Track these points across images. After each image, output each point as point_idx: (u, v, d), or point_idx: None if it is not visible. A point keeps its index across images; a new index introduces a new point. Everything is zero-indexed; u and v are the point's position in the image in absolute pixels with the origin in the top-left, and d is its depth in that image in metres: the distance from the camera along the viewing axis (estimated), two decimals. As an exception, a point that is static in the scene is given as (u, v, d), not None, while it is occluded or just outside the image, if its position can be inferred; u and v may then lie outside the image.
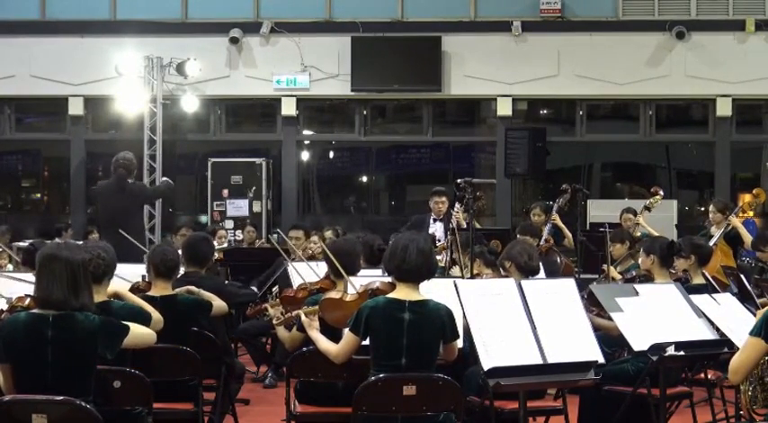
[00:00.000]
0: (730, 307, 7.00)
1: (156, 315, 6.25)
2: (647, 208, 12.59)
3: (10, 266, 10.45)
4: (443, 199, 12.41)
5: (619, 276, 9.89)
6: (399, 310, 5.78)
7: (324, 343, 6.17)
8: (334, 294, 6.36)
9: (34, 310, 5.23)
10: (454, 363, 6.24)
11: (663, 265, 7.83)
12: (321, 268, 7.89)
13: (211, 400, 7.25)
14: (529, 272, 7.38)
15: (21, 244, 12.14)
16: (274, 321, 6.76)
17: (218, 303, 7.41)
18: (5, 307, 6.31)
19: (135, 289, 7.56)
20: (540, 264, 8.53)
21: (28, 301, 6.02)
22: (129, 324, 5.47)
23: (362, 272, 7.11)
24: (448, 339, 5.90)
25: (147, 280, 7.47)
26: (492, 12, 16.87)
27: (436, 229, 12.25)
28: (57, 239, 13.75)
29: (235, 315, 10.17)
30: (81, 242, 7.34)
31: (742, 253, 12.04)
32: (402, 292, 5.86)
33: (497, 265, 8.08)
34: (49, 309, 5.13)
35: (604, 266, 10.57)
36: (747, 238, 11.64)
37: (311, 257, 10.86)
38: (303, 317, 6.35)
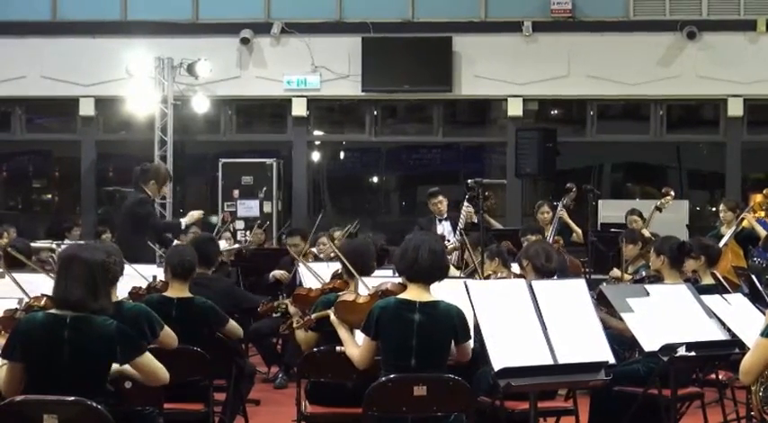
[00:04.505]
0: (741, 307, 6.99)
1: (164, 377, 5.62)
2: (659, 208, 12.57)
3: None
4: (440, 198, 12.52)
5: (628, 278, 9.87)
6: (409, 310, 5.78)
7: (351, 347, 6.15)
8: (347, 297, 6.34)
9: (51, 311, 5.23)
10: (465, 362, 6.23)
11: (673, 266, 7.80)
12: (332, 269, 7.90)
13: (222, 401, 7.27)
14: (545, 273, 7.35)
15: (32, 245, 12.12)
16: (295, 325, 6.74)
17: (233, 326, 7.35)
18: (21, 306, 6.33)
19: (151, 288, 7.58)
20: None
21: (44, 300, 6.03)
22: (148, 354, 5.37)
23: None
24: (459, 340, 5.89)
25: (164, 280, 7.47)
26: (502, 12, 16.86)
27: (443, 228, 12.29)
28: (66, 240, 13.84)
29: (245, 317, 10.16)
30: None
31: (753, 253, 12.03)
32: (413, 293, 5.86)
33: (513, 264, 8.09)
34: (67, 309, 5.12)
35: (613, 271, 10.57)
36: (762, 232, 11.64)
37: (317, 258, 10.90)
38: (332, 316, 6.33)
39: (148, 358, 5.34)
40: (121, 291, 6.67)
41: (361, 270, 6.85)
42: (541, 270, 7.40)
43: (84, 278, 5.13)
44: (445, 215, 12.45)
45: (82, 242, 5.84)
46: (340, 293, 6.63)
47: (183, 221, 11.60)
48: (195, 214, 11.59)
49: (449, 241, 11.64)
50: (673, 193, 12.86)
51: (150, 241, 11.24)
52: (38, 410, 4.90)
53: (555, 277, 7.56)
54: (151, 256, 11.29)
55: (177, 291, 7.09)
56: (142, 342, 5.41)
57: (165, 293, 7.13)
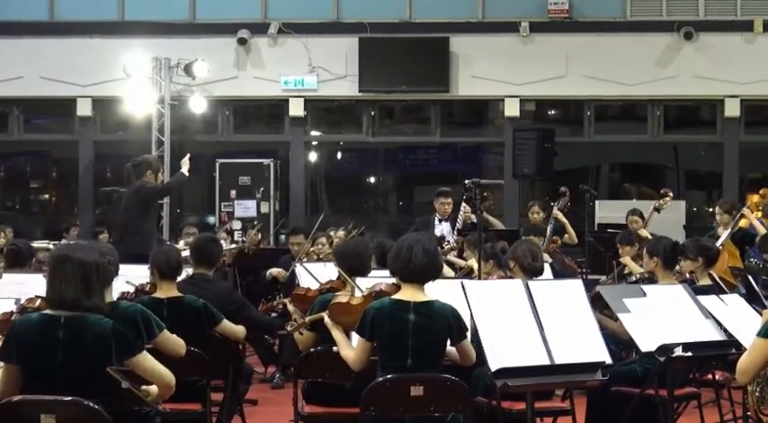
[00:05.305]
0: (738, 308, 7.01)
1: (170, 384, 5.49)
2: (657, 209, 12.59)
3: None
4: (449, 200, 12.46)
5: (639, 270, 9.85)
6: (404, 311, 5.78)
7: (345, 349, 6.14)
8: (341, 299, 6.34)
9: (46, 311, 5.20)
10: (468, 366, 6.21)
11: (666, 267, 7.81)
12: (329, 269, 7.91)
13: (219, 401, 7.26)
14: (533, 273, 7.36)
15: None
16: (289, 328, 6.73)
17: (230, 326, 7.29)
18: (15, 308, 6.32)
19: (140, 291, 7.55)
20: (550, 264, 8.58)
21: (38, 302, 6.01)
22: (146, 353, 5.37)
23: (376, 273, 7.10)
24: (455, 340, 5.89)
25: (150, 281, 7.44)
26: (500, 12, 16.87)
27: (443, 229, 12.28)
28: (64, 240, 13.84)
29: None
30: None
31: (749, 254, 12.04)
32: (407, 293, 5.86)
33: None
34: (61, 309, 5.11)
35: (624, 259, 10.55)
36: (762, 229, 11.65)
37: (319, 259, 10.90)
38: (326, 319, 6.33)
39: (148, 359, 5.32)
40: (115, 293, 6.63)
41: (358, 270, 6.85)
42: (528, 269, 7.39)
43: (78, 277, 5.11)
44: (447, 217, 12.44)
45: (72, 242, 5.80)
46: (335, 294, 6.64)
47: (183, 171, 11.55)
48: (186, 160, 11.63)
49: (448, 242, 11.64)
50: (671, 194, 12.88)
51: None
52: (35, 410, 4.89)
53: (551, 277, 7.57)
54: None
55: (166, 291, 7.06)
56: (137, 343, 5.39)
57: (154, 295, 7.10)
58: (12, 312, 6.25)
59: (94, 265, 5.21)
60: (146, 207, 11.08)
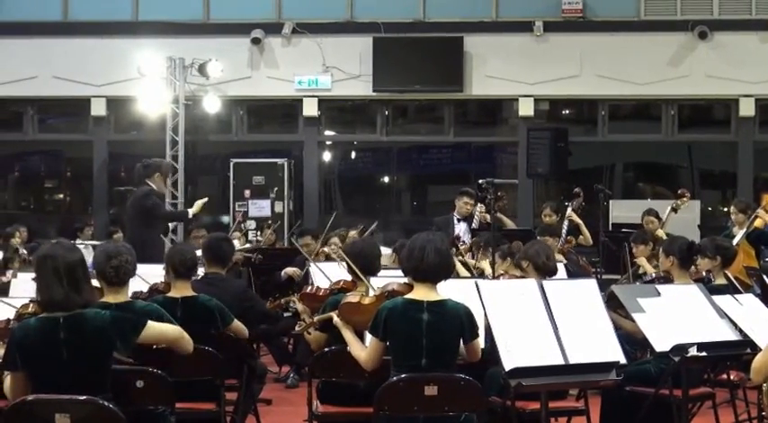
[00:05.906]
0: (753, 308, 6.98)
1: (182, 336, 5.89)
2: (674, 209, 12.55)
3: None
4: (472, 201, 12.40)
5: (652, 270, 9.84)
6: (418, 310, 5.78)
7: (357, 348, 6.15)
8: (352, 298, 6.33)
9: (43, 315, 5.22)
10: (476, 362, 6.22)
11: (682, 266, 7.79)
12: (344, 268, 7.91)
13: (233, 400, 7.27)
14: (546, 272, 7.36)
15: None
16: (297, 328, 6.74)
17: (239, 325, 7.30)
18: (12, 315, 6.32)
19: (153, 290, 7.56)
20: (565, 265, 8.56)
21: (33, 307, 6.00)
22: (150, 322, 5.47)
23: (391, 273, 7.10)
24: (467, 339, 5.89)
25: (165, 281, 7.45)
26: (514, 12, 16.85)
27: (460, 228, 12.26)
28: (78, 240, 13.87)
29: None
30: (99, 242, 7.27)
31: (765, 254, 12.00)
32: (420, 293, 5.86)
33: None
34: (55, 310, 5.12)
35: (640, 259, 10.52)
36: None
37: (329, 258, 10.91)
38: (336, 318, 6.34)
39: (153, 329, 5.44)
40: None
41: (367, 271, 6.85)
42: (543, 269, 7.40)
43: (63, 275, 5.13)
44: (466, 217, 12.43)
45: (54, 241, 5.78)
46: (346, 294, 6.64)
47: (190, 211, 11.63)
48: (200, 203, 11.67)
49: (464, 242, 11.62)
50: (688, 194, 12.84)
51: (162, 234, 11.25)
52: (50, 410, 4.91)
53: (565, 277, 7.55)
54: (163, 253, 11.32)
55: (180, 290, 7.05)
56: (138, 319, 5.41)
57: (168, 294, 7.11)
58: (9, 320, 6.26)
59: (78, 262, 5.23)
60: (151, 217, 11.12)
